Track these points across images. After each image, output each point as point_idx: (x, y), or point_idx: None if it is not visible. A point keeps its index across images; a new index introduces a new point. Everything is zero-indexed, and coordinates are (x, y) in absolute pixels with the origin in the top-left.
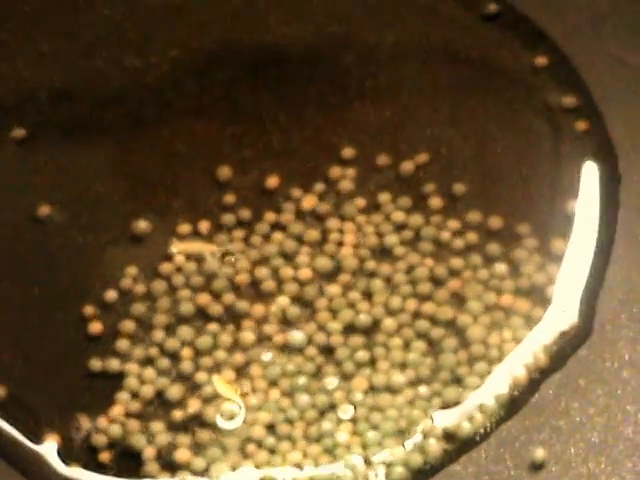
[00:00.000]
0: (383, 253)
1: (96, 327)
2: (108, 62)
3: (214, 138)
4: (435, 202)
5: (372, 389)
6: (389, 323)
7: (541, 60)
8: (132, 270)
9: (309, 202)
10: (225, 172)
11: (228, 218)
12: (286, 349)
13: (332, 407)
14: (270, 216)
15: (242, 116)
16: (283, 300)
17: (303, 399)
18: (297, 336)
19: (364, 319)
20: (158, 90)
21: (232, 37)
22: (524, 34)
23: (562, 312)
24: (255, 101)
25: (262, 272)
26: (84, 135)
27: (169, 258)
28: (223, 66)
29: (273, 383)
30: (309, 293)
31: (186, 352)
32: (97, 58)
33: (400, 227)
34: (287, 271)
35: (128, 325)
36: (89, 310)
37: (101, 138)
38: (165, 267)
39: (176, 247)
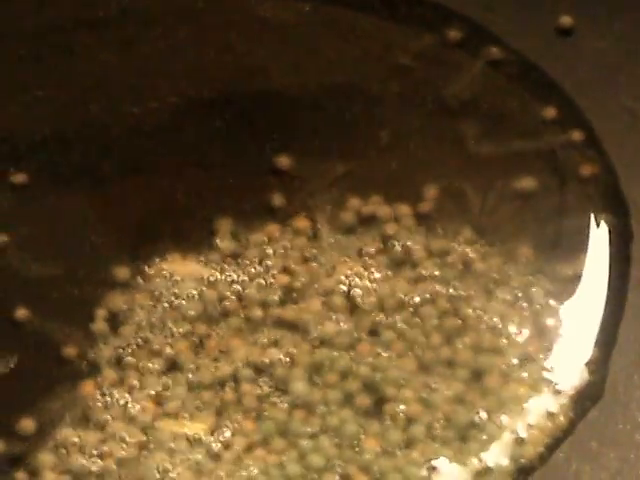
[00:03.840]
0: (398, 311)
1: (88, 387)
2: (105, 108)
3: (214, 189)
4: (443, 253)
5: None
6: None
7: (551, 111)
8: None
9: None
10: (225, 225)
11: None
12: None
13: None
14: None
15: (243, 166)
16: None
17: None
18: (299, 386)
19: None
20: (157, 138)
21: (233, 85)
22: (534, 84)
23: (573, 372)
24: (256, 151)
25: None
26: (80, 183)
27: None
28: (224, 114)
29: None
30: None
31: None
32: (94, 104)
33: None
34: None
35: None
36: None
37: (98, 187)
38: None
39: (167, 266)
